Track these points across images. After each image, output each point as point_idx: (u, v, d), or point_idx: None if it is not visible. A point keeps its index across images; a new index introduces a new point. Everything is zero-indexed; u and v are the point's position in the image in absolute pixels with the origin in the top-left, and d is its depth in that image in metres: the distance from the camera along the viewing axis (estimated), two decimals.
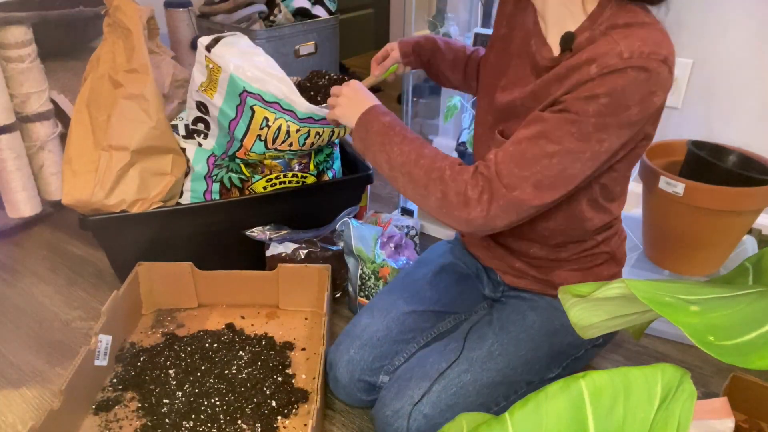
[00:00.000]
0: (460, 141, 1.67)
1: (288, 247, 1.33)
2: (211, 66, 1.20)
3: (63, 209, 1.66)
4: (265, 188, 1.33)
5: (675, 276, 1.34)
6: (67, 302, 1.36)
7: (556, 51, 0.84)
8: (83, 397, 1.02)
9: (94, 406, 1.04)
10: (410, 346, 1.04)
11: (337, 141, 1.39)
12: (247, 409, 1.03)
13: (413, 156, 0.87)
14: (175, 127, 1.33)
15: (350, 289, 1.30)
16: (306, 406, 1.04)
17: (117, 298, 1.15)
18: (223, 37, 1.22)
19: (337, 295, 1.36)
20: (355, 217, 1.35)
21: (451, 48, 1.18)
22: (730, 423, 0.71)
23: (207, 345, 1.17)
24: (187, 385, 1.07)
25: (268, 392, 1.06)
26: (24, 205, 1.48)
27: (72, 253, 1.55)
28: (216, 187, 1.33)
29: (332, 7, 2.02)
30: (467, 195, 0.81)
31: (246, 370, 1.11)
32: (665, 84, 0.75)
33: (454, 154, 1.11)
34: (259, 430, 0.99)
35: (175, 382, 1.08)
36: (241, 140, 1.24)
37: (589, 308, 0.52)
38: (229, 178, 1.32)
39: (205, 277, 1.28)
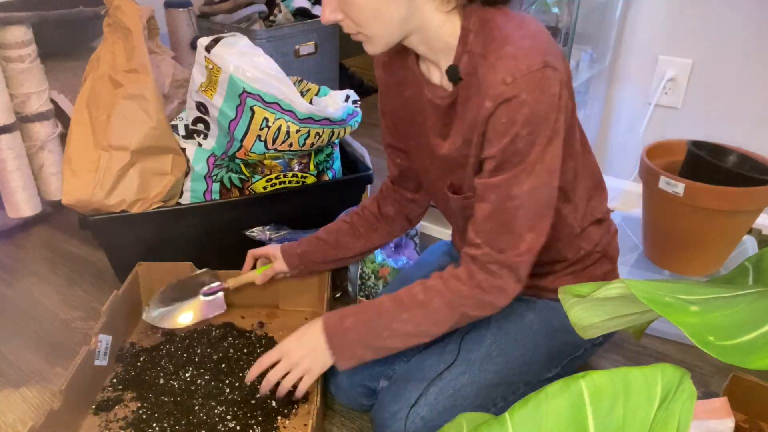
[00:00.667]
0: None
1: None
2: (210, 67, 1.20)
3: (63, 209, 1.66)
4: (265, 188, 1.33)
5: (675, 276, 1.34)
6: (67, 302, 1.36)
7: (448, 85, 0.84)
8: (83, 397, 1.02)
9: (94, 406, 1.04)
10: (409, 350, 1.04)
11: (337, 141, 1.39)
12: (247, 409, 1.02)
13: (419, 317, 0.86)
14: (175, 127, 1.33)
15: (350, 289, 1.30)
16: (306, 406, 1.04)
17: (117, 298, 1.15)
18: (222, 38, 1.22)
19: (337, 296, 1.36)
20: None
21: (336, 225, 1.12)
22: (730, 423, 0.71)
23: (207, 345, 1.17)
24: (187, 385, 1.07)
25: (268, 392, 1.06)
26: (24, 205, 1.48)
27: (72, 253, 1.55)
28: (216, 187, 1.33)
29: None
30: (495, 287, 0.83)
31: (246, 370, 1.11)
32: (561, 78, 0.75)
33: None
34: (259, 430, 0.99)
35: (175, 383, 1.08)
36: (241, 141, 1.24)
37: (589, 308, 0.52)
38: (229, 178, 1.32)
39: None
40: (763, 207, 1.20)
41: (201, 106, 1.27)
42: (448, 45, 0.80)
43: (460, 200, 0.91)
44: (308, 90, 1.42)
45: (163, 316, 1.18)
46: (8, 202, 1.48)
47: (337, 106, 1.32)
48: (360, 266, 1.26)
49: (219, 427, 0.99)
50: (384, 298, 0.89)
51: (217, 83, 1.20)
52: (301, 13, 1.98)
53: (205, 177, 1.32)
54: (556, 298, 0.86)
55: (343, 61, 2.26)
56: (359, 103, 1.39)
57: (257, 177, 1.32)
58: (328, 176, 1.40)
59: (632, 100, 1.65)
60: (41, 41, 1.43)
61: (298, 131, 1.24)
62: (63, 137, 1.49)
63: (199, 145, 1.32)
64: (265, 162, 1.32)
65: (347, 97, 1.39)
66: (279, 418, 1.02)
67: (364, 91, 2.44)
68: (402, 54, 0.90)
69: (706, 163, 1.23)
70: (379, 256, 1.26)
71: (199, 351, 1.15)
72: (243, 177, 1.32)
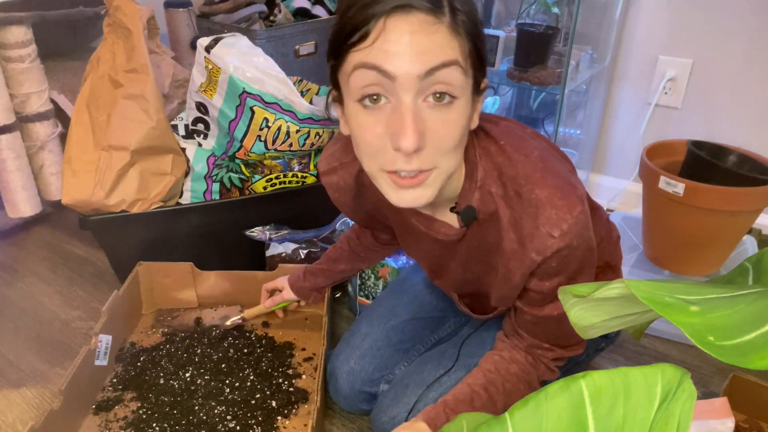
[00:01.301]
0: None
1: (288, 247, 1.33)
2: (210, 67, 1.20)
3: (63, 209, 1.66)
4: (265, 188, 1.33)
5: (675, 276, 1.34)
6: (67, 302, 1.36)
7: (454, 222, 0.78)
8: (83, 397, 1.02)
9: (94, 406, 1.04)
10: (410, 354, 1.04)
11: None
12: (247, 409, 1.02)
13: (499, 402, 0.82)
14: (175, 127, 1.33)
15: (350, 289, 1.30)
16: (306, 406, 1.04)
17: (117, 297, 1.15)
18: (222, 38, 1.22)
19: (337, 295, 1.36)
20: None
21: (337, 254, 1.12)
22: (730, 423, 0.71)
23: (207, 345, 1.17)
24: (187, 385, 1.07)
25: (268, 392, 1.06)
26: (24, 205, 1.48)
27: (72, 253, 1.55)
28: (216, 187, 1.33)
29: (332, 7, 2.02)
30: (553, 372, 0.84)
31: (246, 370, 1.11)
32: (584, 197, 0.72)
33: None
34: (259, 430, 0.99)
35: (175, 383, 1.08)
36: (241, 141, 1.24)
37: (589, 308, 0.52)
38: (229, 178, 1.32)
39: (205, 277, 1.28)
40: (763, 207, 1.20)
41: (201, 106, 1.27)
42: (455, 178, 0.73)
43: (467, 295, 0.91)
44: (308, 90, 1.42)
45: None
46: (8, 202, 1.48)
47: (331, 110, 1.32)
48: None
49: (219, 427, 0.99)
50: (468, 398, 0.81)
51: (217, 83, 1.20)
52: (301, 13, 1.98)
53: (205, 177, 1.32)
54: None
55: None
56: None
57: (257, 177, 1.32)
58: None
59: (632, 100, 1.65)
60: (41, 41, 1.43)
61: (298, 131, 1.24)
62: (63, 137, 1.49)
63: (199, 145, 1.32)
64: (265, 162, 1.32)
65: None
66: (279, 418, 1.02)
67: None
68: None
69: (706, 163, 1.23)
70: None
71: (199, 351, 1.15)
72: (243, 177, 1.32)
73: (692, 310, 0.43)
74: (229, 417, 1.01)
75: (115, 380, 1.09)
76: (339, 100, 0.69)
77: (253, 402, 1.04)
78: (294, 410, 1.03)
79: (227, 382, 1.08)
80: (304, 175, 1.35)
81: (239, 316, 1.24)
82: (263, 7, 1.89)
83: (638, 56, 1.59)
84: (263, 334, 1.22)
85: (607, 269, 0.99)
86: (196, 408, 1.02)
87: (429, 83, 0.60)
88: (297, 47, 1.90)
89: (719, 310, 0.44)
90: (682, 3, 1.48)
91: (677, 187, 1.19)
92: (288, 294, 1.18)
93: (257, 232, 1.32)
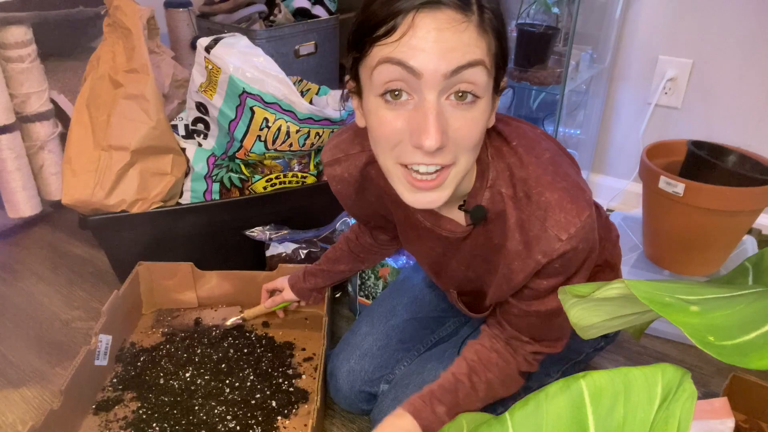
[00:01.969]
0: None
1: (288, 247, 1.33)
2: (210, 67, 1.20)
3: (63, 209, 1.66)
4: (265, 188, 1.33)
5: (675, 276, 1.34)
6: (67, 302, 1.36)
7: (461, 220, 0.78)
8: (83, 397, 1.02)
9: (94, 406, 1.04)
10: (410, 354, 1.04)
11: None
12: (247, 409, 1.02)
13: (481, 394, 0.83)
14: (175, 127, 1.33)
15: (350, 289, 1.30)
16: (306, 406, 1.04)
17: (117, 297, 1.15)
18: (222, 38, 1.22)
19: (337, 295, 1.36)
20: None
21: (336, 254, 1.11)
22: (730, 423, 0.71)
23: (207, 345, 1.17)
24: (186, 385, 1.07)
25: (268, 392, 1.06)
26: (24, 205, 1.48)
27: (72, 253, 1.55)
28: (216, 187, 1.33)
29: (332, 7, 2.02)
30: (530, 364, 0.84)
31: (246, 371, 1.11)
32: (595, 222, 0.72)
33: None
34: (259, 430, 0.99)
35: (175, 383, 1.08)
36: (241, 141, 1.24)
37: (588, 308, 0.52)
38: (229, 178, 1.32)
39: (205, 277, 1.27)
40: (763, 207, 1.20)
41: (201, 106, 1.27)
42: (467, 177, 0.73)
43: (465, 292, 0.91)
44: (308, 90, 1.42)
45: None
46: (8, 202, 1.48)
47: (337, 106, 1.32)
48: None
49: (219, 427, 0.99)
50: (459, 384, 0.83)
51: (216, 83, 1.20)
52: (301, 13, 1.98)
53: (205, 177, 1.32)
54: None
55: (343, 61, 2.26)
56: None
57: (257, 177, 1.32)
58: None
59: (632, 100, 1.65)
60: (41, 41, 1.43)
61: (298, 131, 1.24)
62: (63, 137, 1.49)
63: (199, 145, 1.32)
64: (265, 162, 1.32)
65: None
66: (279, 418, 1.02)
67: None
68: (378, 182, 0.83)
69: (706, 163, 1.23)
70: None
71: (199, 351, 1.15)
72: (243, 177, 1.32)
73: (692, 310, 0.43)
74: (229, 417, 1.01)
75: (115, 380, 1.09)
76: (357, 92, 0.68)
77: (253, 402, 1.04)
78: (294, 410, 1.03)
79: (227, 382, 1.08)
80: (304, 175, 1.35)
81: (239, 317, 1.24)
82: (263, 7, 1.89)
83: (638, 56, 1.59)
84: (263, 334, 1.22)
85: (607, 268, 0.99)
86: (196, 408, 1.02)
87: (453, 82, 0.60)
88: (297, 47, 1.90)
89: (719, 310, 0.44)
90: (682, 3, 1.48)
91: (677, 187, 1.19)
92: (288, 294, 1.18)
93: (257, 232, 1.32)
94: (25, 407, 1.08)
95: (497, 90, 0.67)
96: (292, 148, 1.26)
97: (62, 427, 0.94)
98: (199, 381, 1.08)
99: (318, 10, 1.99)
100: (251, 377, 1.09)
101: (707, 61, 1.50)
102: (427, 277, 1.11)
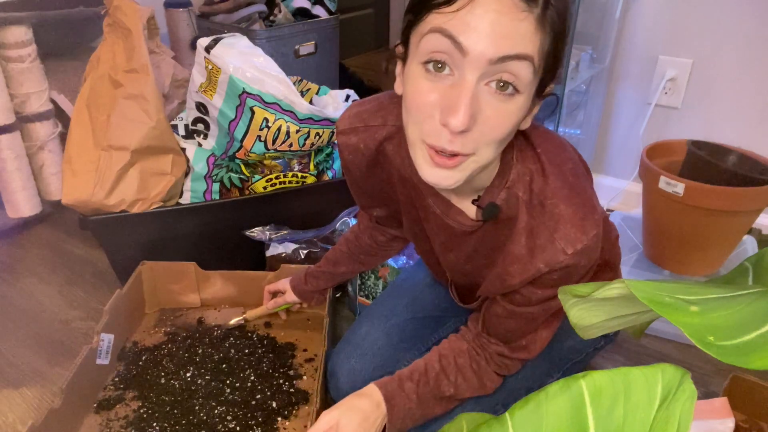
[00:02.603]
0: None
1: (288, 247, 1.33)
2: (210, 67, 1.20)
3: (63, 209, 1.66)
4: (265, 188, 1.33)
5: (675, 276, 1.35)
6: (67, 302, 1.36)
7: (472, 214, 0.77)
8: (84, 396, 1.02)
9: (95, 405, 1.04)
10: (411, 354, 1.04)
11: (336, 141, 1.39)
12: (247, 410, 1.03)
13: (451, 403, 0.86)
14: (175, 127, 1.33)
15: (350, 289, 1.30)
16: (306, 407, 1.04)
17: (120, 296, 1.15)
18: (222, 38, 1.22)
19: (338, 296, 1.36)
20: (355, 216, 1.35)
21: (336, 256, 1.11)
22: (730, 423, 0.71)
23: (208, 345, 1.17)
24: (188, 385, 1.07)
25: (268, 393, 1.06)
26: (24, 205, 1.48)
27: (72, 253, 1.55)
28: (216, 187, 1.33)
29: (332, 7, 2.02)
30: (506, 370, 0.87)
31: (247, 371, 1.11)
32: (600, 240, 0.72)
33: None
34: (260, 430, 0.99)
35: (176, 382, 1.08)
36: (241, 141, 1.24)
37: (588, 308, 0.52)
38: (229, 178, 1.32)
39: (208, 276, 1.28)
40: (763, 207, 1.20)
41: (201, 107, 1.27)
42: (487, 172, 0.72)
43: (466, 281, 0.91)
44: (308, 90, 1.42)
45: None
46: (8, 202, 1.48)
47: (337, 106, 1.32)
48: None
49: (219, 428, 0.99)
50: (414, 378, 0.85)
51: (216, 83, 1.20)
52: (301, 13, 1.98)
53: (205, 177, 1.32)
54: None
55: (343, 61, 2.26)
56: None
57: (257, 177, 1.32)
58: (328, 176, 1.40)
59: (632, 100, 1.65)
60: (41, 41, 1.43)
61: (298, 131, 1.24)
62: (63, 137, 1.49)
63: (199, 145, 1.32)
64: (265, 162, 1.32)
65: (347, 97, 1.39)
66: (279, 419, 1.02)
67: (364, 91, 2.44)
68: (397, 158, 0.81)
69: (706, 163, 1.23)
70: None
71: (200, 351, 1.15)
72: (243, 177, 1.32)
73: (692, 310, 0.43)
74: (229, 417, 1.01)
75: (116, 379, 1.09)
76: (403, 57, 0.66)
77: (253, 403, 1.04)
78: (294, 411, 1.03)
79: (228, 382, 1.08)
80: (304, 175, 1.35)
81: (241, 317, 1.24)
82: (263, 7, 1.89)
83: (638, 56, 1.59)
84: (265, 334, 1.22)
85: (606, 268, 0.99)
86: (197, 408, 1.03)
87: (497, 69, 0.58)
88: (297, 47, 1.90)
89: (719, 310, 0.44)
90: (682, 3, 1.49)
91: (677, 187, 1.20)
92: (290, 296, 1.18)
93: (257, 232, 1.32)
94: (25, 407, 1.08)
95: (541, 93, 0.65)
96: (292, 148, 1.26)
97: (63, 425, 0.94)
98: (199, 381, 1.08)
99: (318, 10, 1.99)
100: (252, 378, 1.10)
101: (707, 61, 1.50)
102: (428, 277, 1.11)
